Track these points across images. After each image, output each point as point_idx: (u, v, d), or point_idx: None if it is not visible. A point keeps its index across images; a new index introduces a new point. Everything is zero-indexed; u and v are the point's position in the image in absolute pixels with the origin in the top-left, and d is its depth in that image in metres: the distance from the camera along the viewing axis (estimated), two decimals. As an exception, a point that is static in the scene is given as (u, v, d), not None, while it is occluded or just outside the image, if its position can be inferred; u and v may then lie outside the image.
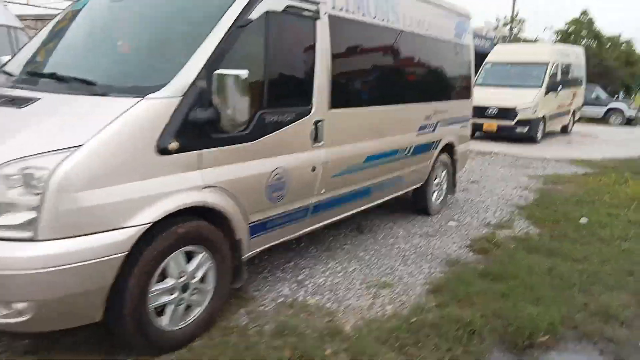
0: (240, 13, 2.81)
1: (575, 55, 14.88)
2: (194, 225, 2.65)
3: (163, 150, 2.46)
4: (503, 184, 7.50)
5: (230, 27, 2.75)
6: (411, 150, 4.78)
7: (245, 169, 2.94)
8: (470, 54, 5.98)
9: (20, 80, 3.00)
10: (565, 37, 28.35)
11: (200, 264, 2.75)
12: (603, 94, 20.23)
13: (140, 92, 2.48)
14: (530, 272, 3.83)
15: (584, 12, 28.76)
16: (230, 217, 2.85)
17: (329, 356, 2.71)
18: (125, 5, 3.30)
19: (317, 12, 3.37)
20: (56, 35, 3.43)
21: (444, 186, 5.80)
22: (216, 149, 2.73)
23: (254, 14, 2.89)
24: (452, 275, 3.86)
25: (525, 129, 11.87)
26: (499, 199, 6.53)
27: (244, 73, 2.56)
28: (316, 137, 3.45)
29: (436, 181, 5.59)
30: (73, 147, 2.21)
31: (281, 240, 3.43)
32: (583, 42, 26.55)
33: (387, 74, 4.33)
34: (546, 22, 67.40)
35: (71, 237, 2.18)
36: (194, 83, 2.57)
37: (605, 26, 53.25)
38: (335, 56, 3.55)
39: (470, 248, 4.56)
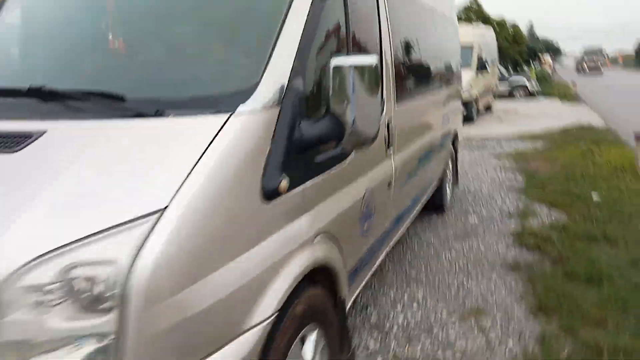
0: None
1: (490, 37, 15.50)
2: (310, 297, 1.77)
3: (270, 194, 1.56)
4: (480, 168, 7.23)
5: None
6: (440, 144, 4.18)
7: (341, 201, 2.10)
8: (457, 29, 5.49)
9: None
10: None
11: (316, 346, 1.86)
12: (505, 72, 21.39)
13: (218, 105, 1.53)
14: (616, 269, 3.39)
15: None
16: (338, 271, 2.00)
17: None
18: None
19: None
20: (27, 25, 2.26)
21: (451, 178, 5.29)
22: (317, 177, 1.86)
23: None
24: (536, 283, 3.30)
25: (464, 110, 11.92)
26: (491, 184, 6.20)
27: (373, 60, 1.73)
28: (388, 142, 2.68)
29: (448, 174, 5.06)
30: (151, 213, 1.23)
31: (364, 282, 2.62)
32: (475, 26, 28.18)
33: (429, 57, 3.65)
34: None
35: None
36: (290, 83, 1.67)
37: (491, 10, 57.21)
38: (394, 35, 2.80)
39: (519, 245, 4.06)
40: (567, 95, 20.82)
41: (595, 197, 5.24)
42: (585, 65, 52.85)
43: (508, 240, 4.21)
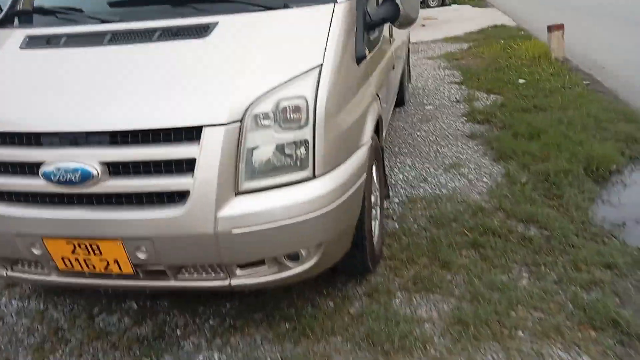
0: None
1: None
2: (373, 138, 2.54)
3: (359, 59, 2.28)
4: (420, 69, 8.12)
5: None
6: (403, 42, 4.94)
7: (381, 71, 2.87)
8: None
9: (122, 12, 2.34)
10: None
11: (377, 175, 2.70)
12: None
13: None
14: (549, 127, 4.46)
15: None
16: (383, 123, 2.81)
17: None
18: None
19: None
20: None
21: (407, 76, 6.13)
22: (373, 51, 2.60)
23: None
24: (492, 143, 4.31)
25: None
26: (434, 80, 7.14)
27: None
28: (391, 33, 3.45)
29: (406, 72, 5.88)
30: (315, 67, 1.92)
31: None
32: None
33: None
34: None
35: (337, 167, 1.99)
36: None
37: None
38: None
39: (471, 121, 5.06)
40: (476, 0, 22.09)
41: (521, 80, 6.34)
42: None
43: (462, 119, 5.19)
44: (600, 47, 8.57)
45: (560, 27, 7.26)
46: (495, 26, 12.02)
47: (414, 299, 2.44)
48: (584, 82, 6.08)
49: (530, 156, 3.89)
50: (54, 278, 2.11)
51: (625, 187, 3.47)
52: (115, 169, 1.83)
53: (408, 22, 2.54)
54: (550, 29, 7.29)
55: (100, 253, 1.92)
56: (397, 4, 2.40)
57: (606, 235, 2.83)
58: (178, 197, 1.81)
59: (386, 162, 4.13)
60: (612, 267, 2.52)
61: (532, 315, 2.26)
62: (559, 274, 2.52)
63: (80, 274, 2.04)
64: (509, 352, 2.06)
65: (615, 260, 2.54)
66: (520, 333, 2.16)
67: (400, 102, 5.73)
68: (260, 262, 1.98)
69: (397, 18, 2.43)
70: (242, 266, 1.98)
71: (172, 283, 2.02)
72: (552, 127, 4.42)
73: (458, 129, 4.88)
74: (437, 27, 13.91)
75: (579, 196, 3.24)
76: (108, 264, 1.95)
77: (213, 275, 2.00)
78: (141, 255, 1.89)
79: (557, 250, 2.71)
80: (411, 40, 10.98)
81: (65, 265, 1.99)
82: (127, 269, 1.95)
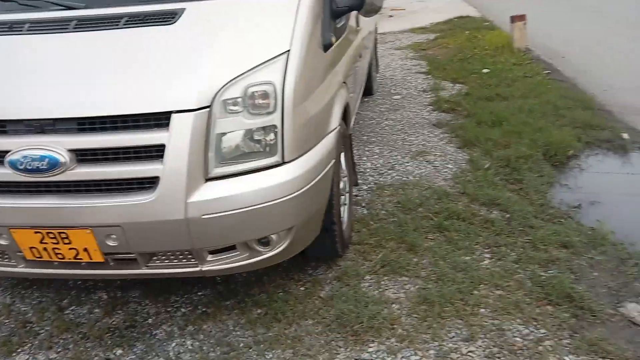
0: None
1: None
2: (341, 125, 2.59)
3: (325, 47, 2.32)
4: (387, 59, 8.21)
5: None
6: (370, 31, 5.00)
7: (347, 59, 2.91)
8: None
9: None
10: None
11: (346, 163, 2.75)
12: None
13: None
14: (511, 115, 4.61)
15: None
16: (351, 110, 2.87)
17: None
18: None
19: None
20: None
21: (375, 66, 6.21)
22: (340, 39, 2.64)
23: None
24: (457, 131, 4.43)
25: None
26: (402, 70, 7.24)
27: None
28: (357, 22, 3.50)
29: (373, 62, 5.95)
30: (283, 53, 1.95)
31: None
32: None
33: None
34: None
35: (306, 152, 2.03)
36: None
37: None
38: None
39: (437, 110, 5.17)
40: (442, -9, 22.40)
41: (485, 70, 6.50)
42: None
43: (428, 108, 5.30)
44: (561, 37, 8.85)
45: (522, 17, 7.45)
46: (461, 17, 12.21)
47: (382, 282, 2.52)
48: (545, 72, 6.27)
49: (492, 143, 4.01)
50: (21, 269, 2.10)
51: (581, 171, 3.64)
52: (83, 156, 1.83)
53: (373, 10, 2.59)
54: (512, 19, 7.47)
55: (70, 242, 1.92)
56: None
57: (563, 216, 2.97)
58: (148, 183, 1.83)
59: (355, 151, 4.19)
60: (568, 246, 2.66)
61: (493, 293, 2.37)
62: (519, 253, 2.64)
63: (49, 264, 2.03)
64: (472, 328, 2.16)
65: (571, 240, 2.68)
66: (482, 310, 2.26)
67: (368, 91, 5.79)
68: (231, 248, 2.01)
69: (363, 6, 2.48)
70: (213, 252, 2.01)
71: (143, 270, 2.04)
72: (513, 115, 4.57)
73: (425, 118, 4.98)
74: (405, 17, 14.04)
75: (538, 180, 3.38)
76: (77, 252, 1.95)
77: (184, 261, 2.02)
78: (111, 243, 1.90)
79: (517, 231, 2.83)
80: (379, 31, 11.08)
81: (34, 255, 1.98)
82: (97, 257, 1.95)
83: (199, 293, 2.55)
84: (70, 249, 1.94)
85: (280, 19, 2.08)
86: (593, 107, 4.80)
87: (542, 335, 2.11)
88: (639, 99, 5.10)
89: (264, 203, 1.89)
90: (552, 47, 7.89)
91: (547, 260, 2.56)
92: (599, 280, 2.42)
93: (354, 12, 2.89)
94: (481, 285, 2.42)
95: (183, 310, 2.46)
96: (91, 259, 1.96)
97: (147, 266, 2.03)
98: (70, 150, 1.81)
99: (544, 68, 6.47)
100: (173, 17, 2.04)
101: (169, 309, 2.47)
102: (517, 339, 2.10)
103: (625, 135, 4.09)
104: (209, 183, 1.86)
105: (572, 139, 3.99)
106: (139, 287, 2.62)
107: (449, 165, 3.79)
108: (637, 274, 2.43)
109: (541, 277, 2.44)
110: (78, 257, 1.96)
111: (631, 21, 9.91)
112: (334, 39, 2.37)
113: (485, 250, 2.70)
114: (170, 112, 1.79)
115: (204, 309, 2.44)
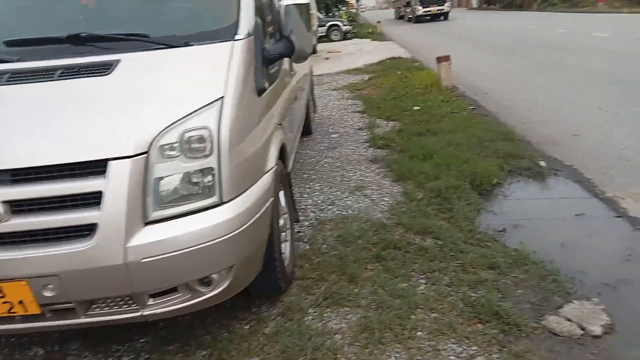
0: None
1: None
2: (279, 164, 2.72)
3: (260, 92, 2.45)
4: (324, 100, 8.53)
5: None
6: (305, 74, 5.23)
7: (283, 102, 3.06)
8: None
9: (19, 52, 2.32)
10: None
11: (286, 200, 2.86)
12: (322, 16, 23.20)
13: (222, 36, 2.34)
14: (440, 148, 4.93)
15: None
16: (289, 150, 3.00)
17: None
18: None
19: None
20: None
21: (312, 107, 6.44)
22: (274, 83, 2.78)
23: None
24: (391, 166, 4.67)
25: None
26: (339, 110, 7.54)
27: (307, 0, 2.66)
28: (291, 67, 3.67)
29: (311, 104, 6.18)
30: (217, 99, 2.06)
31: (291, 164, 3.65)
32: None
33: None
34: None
35: (244, 192, 2.12)
36: (255, 22, 2.53)
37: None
38: None
39: (373, 147, 5.43)
40: (374, 34, 23.58)
41: (416, 107, 6.90)
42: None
43: (365, 145, 5.55)
44: (484, 75, 9.56)
45: (447, 58, 8.02)
46: (393, 58, 12.92)
47: (325, 314, 2.60)
48: (470, 107, 6.76)
49: (424, 175, 4.26)
50: None
51: (505, 197, 3.93)
52: (18, 207, 1.83)
53: (303, 56, 2.77)
54: (439, 59, 8.03)
55: (3, 295, 1.88)
56: (291, 41, 2.63)
57: (489, 240, 3.19)
58: (86, 230, 1.84)
59: (296, 188, 4.32)
60: (494, 267, 2.86)
61: (429, 316, 2.50)
62: (451, 277, 2.81)
63: None
64: (410, 351, 2.27)
65: (497, 261, 2.89)
66: (419, 333, 2.39)
67: (307, 131, 6.00)
68: (173, 290, 2.04)
69: (292, 53, 2.65)
70: (154, 295, 2.02)
71: (82, 320, 2.01)
72: (442, 149, 4.89)
73: (361, 154, 5.21)
74: (340, 60, 14.66)
75: (466, 208, 3.62)
76: (12, 306, 1.91)
77: (125, 307, 2.02)
78: (48, 293, 1.88)
79: (448, 256, 3.02)
80: (316, 73, 11.52)
81: (-37, 311, 1.92)
82: (34, 309, 1.92)
83: (141, 340, 2.52)
84: (4, 302, 1.90)
85: (214, 67, 2.20)
86: (514, 138, 5.22)
87: (474, 352, 2.25)
88: (553, 130, 5.61)
89: (203, 243, 1.94)
90: (477, 85, 8.51)
91: (476, 281, 2.74)
92: (523, 296, 2.61)
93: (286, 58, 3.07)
94: (418, 310, 2.55)
95: (125, 359, 2.42)
96: (27, 311, 1.92)
97: (86, 315, 2.01)
98: (4, 202, 1.81)
99: (469, 104, 6.97)
100: (108, 68, 2.12)
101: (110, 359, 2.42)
102: (452, 357, 2.23)
103: (542, 163, 4.47)
104: (148, 227, 1.90)
105: (496, 169, 4.31)
106: (77, 339, 2.56)
107: (385, 198, 3.98)
108: (555, 289, 2.65)
109: (471, 297, 2.61)
110: (12, 310, 1.92)
111: (544, 60, 10.88)
112: (267, 84, 2.52)
113: (421, 276, 2.85)
114: (106, 160, 1.84)
115: (146, 356, 2.41)
